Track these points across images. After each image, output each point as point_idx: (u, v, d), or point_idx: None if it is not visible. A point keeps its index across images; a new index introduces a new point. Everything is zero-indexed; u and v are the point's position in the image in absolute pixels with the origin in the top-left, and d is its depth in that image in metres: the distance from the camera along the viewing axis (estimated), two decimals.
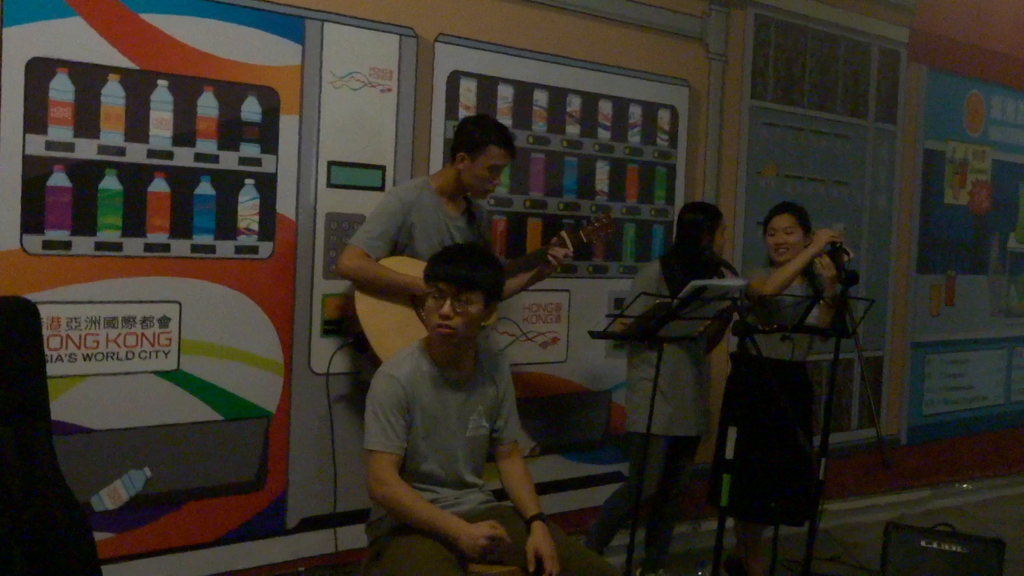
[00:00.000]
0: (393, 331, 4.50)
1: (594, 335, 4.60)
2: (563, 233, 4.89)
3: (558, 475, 5.84)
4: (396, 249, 4.63)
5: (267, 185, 4.71)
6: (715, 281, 4.72)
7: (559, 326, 5.76)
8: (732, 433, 4.54)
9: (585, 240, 4.96)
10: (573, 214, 5.76)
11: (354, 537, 4.85)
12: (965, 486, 8.17)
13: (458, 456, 3.92)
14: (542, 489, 5.63)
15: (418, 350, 3.89)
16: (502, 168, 4.75)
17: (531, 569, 3.74)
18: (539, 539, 3.79)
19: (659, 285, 5.14)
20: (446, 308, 3.75)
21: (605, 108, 5.89)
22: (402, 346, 4.00)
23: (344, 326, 4.87)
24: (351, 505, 4.92)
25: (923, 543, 5.61)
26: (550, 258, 4.83)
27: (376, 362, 4.44)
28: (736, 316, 4.69)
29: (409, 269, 4.56)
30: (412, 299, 4.57)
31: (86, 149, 4.27)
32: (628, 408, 5.36)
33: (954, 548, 5.57)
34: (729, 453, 4.53)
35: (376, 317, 4.54)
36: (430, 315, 3.80)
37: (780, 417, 4.66)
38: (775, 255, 5.39)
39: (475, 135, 4.65)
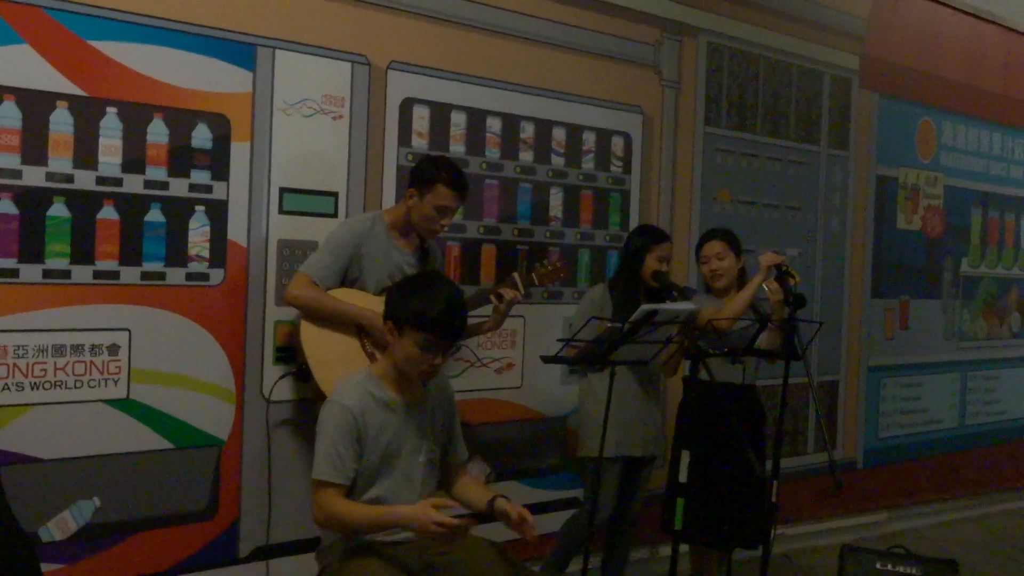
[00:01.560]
0: (336, 362, 4.46)
1: (546, 360, 4.60)
2: (515, 275, 4.87)
3: (516, 500, 5.80)
4: (345, 280, 4.61)
5: (218, 212, 4.68)
6: (665, 305, 4.72)
7: (514, 352, 5.75)
8: (685, 457, 4.54)
9: (537, 283, 4.95)
10: (527, 240, 5.76)
11: (296, 568, 4.86)
12: (920, 509, 8.19)
13: (415, 480, 3.90)
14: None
15: (367, 377, 3.88)
16: (450, 211, 4.70)
17: (530, 536, 3.76)
18: (511, 504, 3.83)
19: (603, 308, 5.14)
20: (439, 359, 3.82)
21: (559, 134, 5.90)
22: (344, 375, 3.97)
23: (289, 356, 4.84)
24: (290, 535, 4.91)
25: (878, 565, 5.62)
26: (493, 299, 4.80)
27: (318, 392, 4.42)
28: (686, 341, 4.69)
29: (358, 301, 4.55)
30: (358, 329, 4.54)
31: (34, 176, 4.23)
32: (579, 432, 5.35)
33: (909, 570, 5.58)
34: (683, 476, 4.53)
35: (320, 347, 4.51)
36: (418, 363, 3.80)
37: (732, 440, 4.66)
38: (711, 282, 5.43)
39: (427, 173, 4.64)
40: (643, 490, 5.43)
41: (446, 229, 4.84)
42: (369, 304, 4.50)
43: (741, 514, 5.17)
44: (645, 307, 4.49)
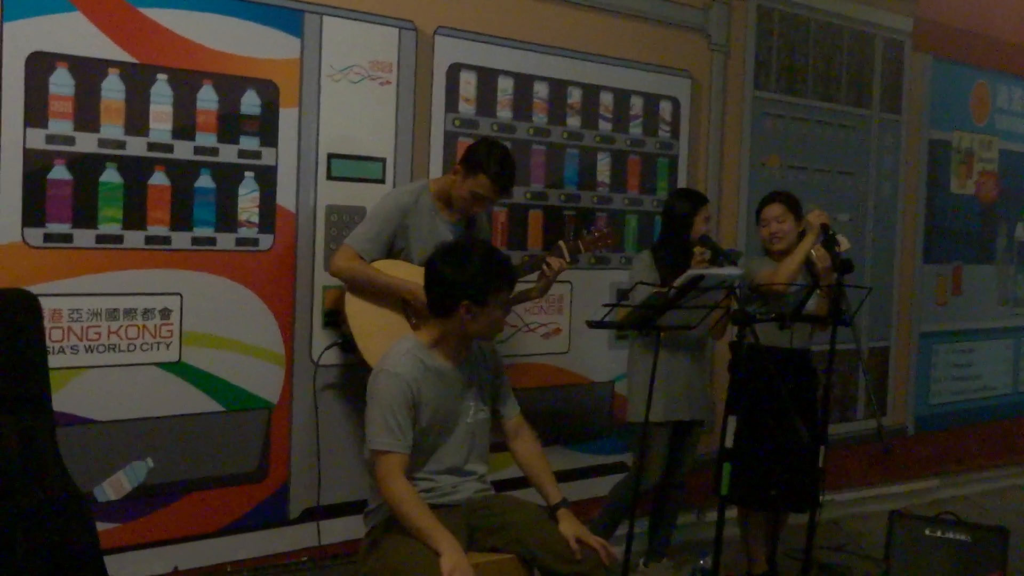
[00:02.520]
0: (380, 333, 4.52)
1: (592, 324, 4.63)
2: (561, 243, 4.89)
3: (562, 466, 5.84)
4: (391, 252, 4.66)
5: (267, 178, 4.75)
6: (712, 270, 4.74)
7: (561, 317, 5.80)
8: (731, 422, 4.57)
9: (583, 250, 4.97)
10: (574, 206, 5.80)
11: (346, 529, 4.94)
12: (972, 475, 8.18)
13: (463, 444, 3.96)
14: None
15: (416, 346, 3.90)
16: (486, 200, 4.73)
17: (577, 557, 3.77)
18: (573, 525, 3.86)
19: (651, 273, 5.17)
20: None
21: (606, 100, 5.92)
22: (388, 347, 4.02)
23: (336, 323, 4.90)
24: (339, 498, 4.99)
25: (927, 532, 5.63)
26: (544, 268, 4.83)
27: (362, 363, 4.48)
28: (735, 305, 4.71)
29: (402, 272, 4.59)
30: (403, 303, 4.60)
31: (86, 143, 4.31)
32: (628, 398, 5.40)
33: (958, 536, 5.59)
34: (729, 442, 4.56)
35: (364, 318, 4.58)
36: (498, 319, 3.91)
37: (779, 405, 4.69)
38: (769, 245, 5.40)
39: (477, 157, 4.65)
40: (691, 454, 5.47)
41: (480, 214, 4.89)
42: (413, 275, 4.54)
43: (789, 479, 5.19)
44: (691, 272, 4.52)
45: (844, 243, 5.15)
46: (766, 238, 5.40)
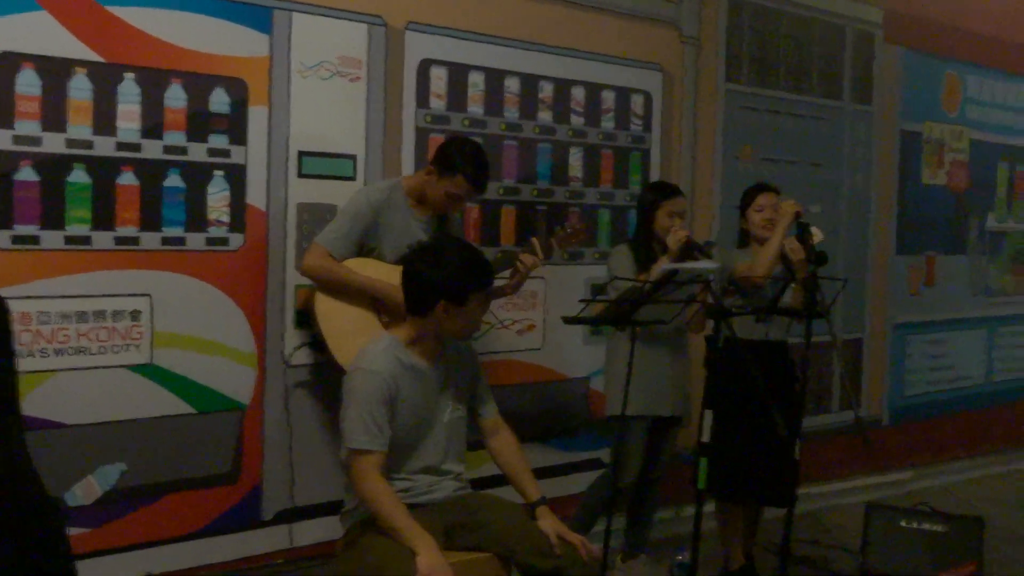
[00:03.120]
0: (351, 333, 4.50)
1: (567, 321, 4.63)
2: (533, 240, 4.89)
3: (538, 463, 5.79)
4: (362, 251, 4.64)
5: (237, 176, 4.73)
6: (686, 264, 4.76)
7: (535, 313, 5.79)
8: (708, 417, 4.57)
9: (557, 247, 4.97)
10: (547, 201, 5.80)
11: (320, 530, 4.94)
12: (947, 466, 8.22)
13: (440, 444, 3.96)
14: None
15: (393, 343, 3.90)
16: (462, 200, 4.75)
17: (558, 552, 3.80)
18: (553, 522, 3.91)
19: (630, 267, 5.17)
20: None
21: (578, 94, 5.92)
22: (358, 348, 4.01)
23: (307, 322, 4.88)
24: (313, 499, 4.98)
25: (903, 523, 5.67)
26: (519, 264, 4.83)
27: (333, 363, 4.48)
28: (710, 299, 4.71)
29: (374, 271, 4.58)
30: (373, 300, 4.59)
31: (54, 143, 4.28)
32: (605, 392, 5.40)
33: (934, 527, 5.63)
34: (706, 436, 4.56)
35: (335, 318, 4.56)
36: (476, 319, 3.96)
37: (756, 398, 4.69)
38: (763, 231, 5.43)
39: (451, 157, 4.65)
40: (669, 451, 5.46)
41: (456, 213, 4.90)
42: (385, 274, 4.54)
43: (766, 472, 5.21)
44: (665, 266, 4.52)
45: (818, 235, 5.17)
46: (759, 224, 5.42)
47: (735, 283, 5.31)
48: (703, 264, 4.81)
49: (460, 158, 4.63)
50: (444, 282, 3.78)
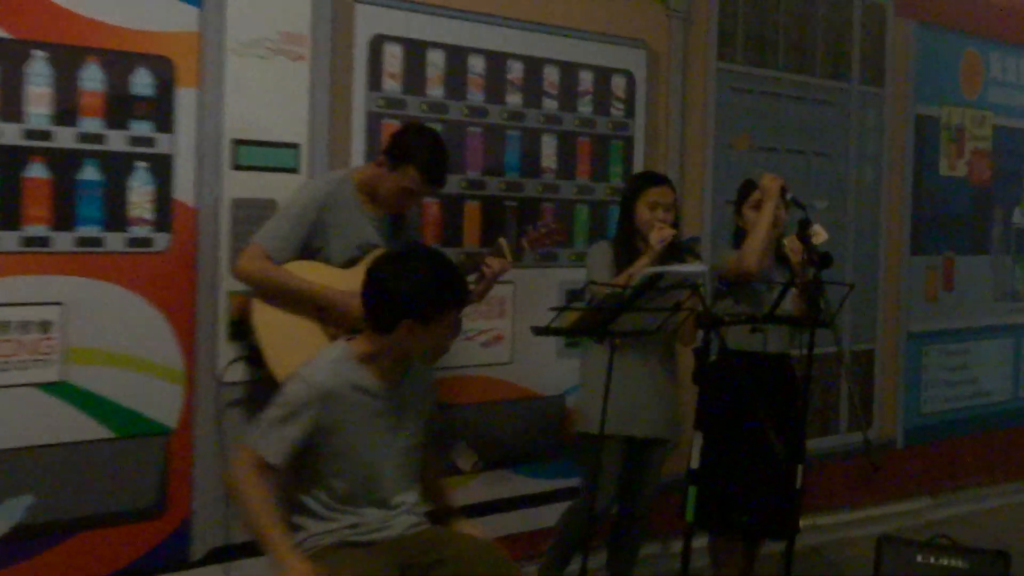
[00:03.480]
0: (293, 346, 4.45)
1: (537, 331, 4.59)
2: (501, 241, 4.86)
3: (506, 492, 5.84)
4: (306, 250, 4.60)
5: (162, 168, 4.69)
6: (672, 268, 4.71)
7: (503, 323, 5.76)
8: (697, 439, 4.55)
9: (528, 248, 4.96)
10: (516, 195, 5.76)
11: (258, 570, 4.81)
12: (968, 493, 8.22)
13: (385, 473, 3.92)
14: (488, 509, 5.66)
15: (344, 357, 3.87)
16: (416, 195, 4.72)
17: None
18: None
19: (609, 268, 5.13)
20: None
21: (551, 74, 5.90)
22: (301, 362, 3.97)
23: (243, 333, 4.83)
24: (250, 535, 4.90)
25: (919, 558, 5.65)
26: (484, 269, 4.81)
27: (273, 380, 4.42)
28: (699, 306, 4.67)
29: (320, 276, 4.54)
30: (319, 311, 4.54)
31: None
32: (577, 406, 5.37)
33: (954, 563, 5.61)
34: (695, 462, 4.53)
35: (274, 330, 4.51)
36: (443, 342, 3.93)
37: (753, 418, 4.67)
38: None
39: (404, 147, 4.61)
40: (654, 478, 5.39)
41: (412, 208, 4.87)
42: (332, 279, 4.51)
43: (763, 502, 5.18)
44: (648, 269, 4.49)
45: (821, 234, 5.13)
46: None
47: (725, 283, 5.27)
48: (691, 267, 4.78)
49: (414, 147, 4.59)
50: (411, 298, 3.75)
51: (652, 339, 5.00)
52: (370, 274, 3.89)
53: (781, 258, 5.38)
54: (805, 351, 4.99)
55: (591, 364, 5.28)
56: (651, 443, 5.31)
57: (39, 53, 4.39)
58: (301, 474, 3.83)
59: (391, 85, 5.34)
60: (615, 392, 4.84)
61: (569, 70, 5.96)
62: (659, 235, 5.01)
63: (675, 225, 5.17)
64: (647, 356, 5.21)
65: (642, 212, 5.16)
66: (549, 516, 5.68)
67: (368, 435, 3.85)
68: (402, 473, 3.98)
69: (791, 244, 5.26)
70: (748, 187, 5.53)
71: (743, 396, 4.69)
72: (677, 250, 5.06)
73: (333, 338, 4.46)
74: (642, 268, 4.88)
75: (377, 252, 4.62)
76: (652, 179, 5.30)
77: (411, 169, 4.57)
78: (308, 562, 3.63)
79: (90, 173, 4.52)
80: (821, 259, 4.92)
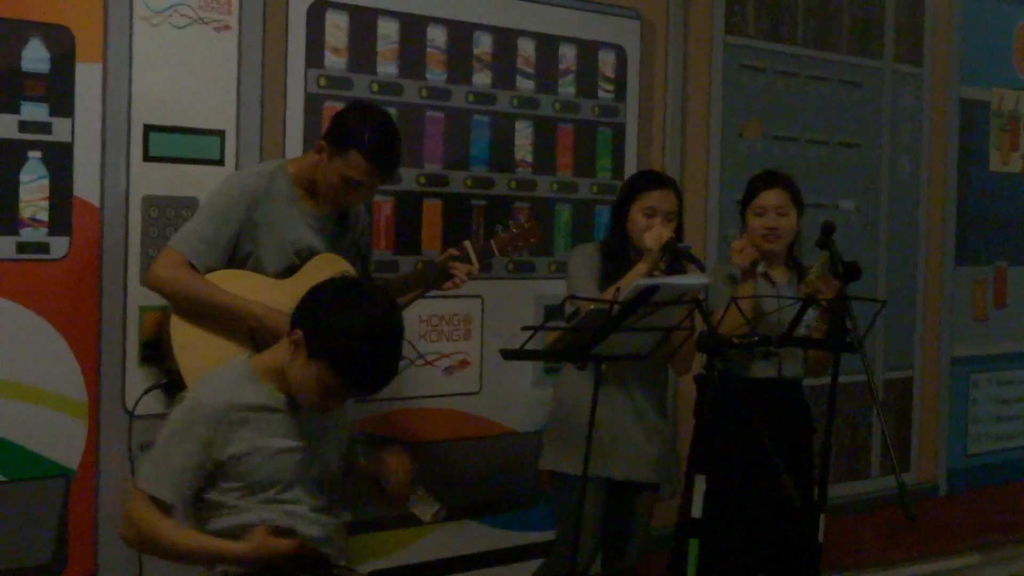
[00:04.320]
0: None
1: (508, 355, 4.59)
2: (466, 244, 4.89)
3: (474, 547, 5.85)
4: (234, 256, 4.60)
5: (60, 159, 4.69)
6: (668, 280, 4.70)
7: (468, 345, 5.78)
8: (700, 484, 4.56)
9: (497, 254, 4.99)
10: (485, 193, 5.79)
11: None
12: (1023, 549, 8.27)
13: (304, 502, 3.93)
14: (453, 566, 5.67)
15: (243, 372, 3.92)
16: (362, 186, 4.67)
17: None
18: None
19: (595, 276, 5.13)
20: (341, 404, 4.02)
21: (526, 49, 5.93)
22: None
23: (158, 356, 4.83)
24: None
25: None
26: (454, 279, 4.84)
27: None
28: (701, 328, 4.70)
29: (247, 288, 4.53)
30: (250, 331, 4.52)
31: None
32: (544, 441, 5.35)
33: None
34: (696, 511, 4.54)
35: (196, 350, 4.49)
36: (315, 399, 3.86)
37: (762, 458, 4.68)
38: (763, 242, 5.40)
39: (346, 129, 4.59)
40: (642, 530, 5.38)
41: (356, 205, 4.87)
42: (264, 291, 4.52)
43: (777, 558, 5.20)
44: (641, 282, 4.49)
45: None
46: (759, 232, 5.38)
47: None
48: (691, 279, 4.77)
49: (358, 128, 4.56)
50: (335, 351, 3.77)
51: (635, 364, 5.00)
52: (314, 291, 3.90)
53: (799, 270, 5.40)
54: (824, 380, 5.02)
55: (563, 389, 5.28)
56: (636, 487, 5.29)
57: None
58: (201, 510, 3.86)
59: (334, 61, 5.36)
60: (579, 425, 4.87)
61: (548, 44, 6.00)
62: (655, 236, 4.99)
63: (677, 234, 5.15)
64: (628, 383, 5.19)
65: (636, 219, 5.13)
66: (525, 572, 5.70)
67: (276, 459, 3.86)
68: (319, 500, 4.00)
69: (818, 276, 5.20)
70: (753, 186, 5.51)
71: (752, 431, 4.70)
72: (675, 258, 5.04)
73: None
74: (638, 276, 4.88)
75: (323, 258, 4.65)
76: (652, 180, 5.27)
77: (354, 154, 4.54)
78: (257, 531, 3.69)
79: None
80: (847, 270, 4.93)
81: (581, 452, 4.88)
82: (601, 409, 4.89)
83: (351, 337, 3.74)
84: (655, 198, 5.14)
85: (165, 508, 3.75)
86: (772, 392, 5.28)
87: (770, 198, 5.39)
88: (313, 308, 3.83)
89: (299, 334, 3.79)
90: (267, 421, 3.86)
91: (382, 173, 4.65)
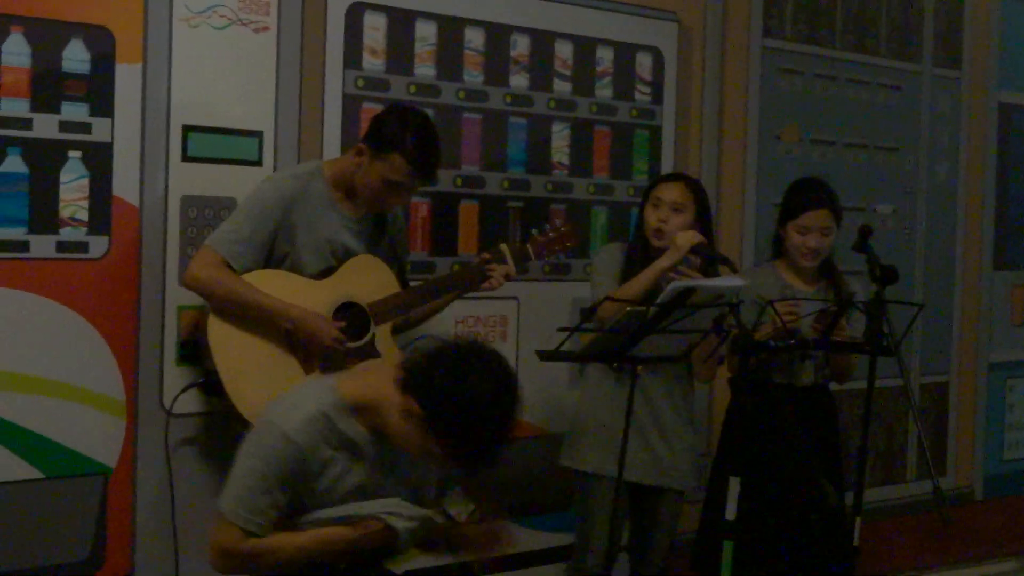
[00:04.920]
0: (256, 371, 4.48)
1: (544, 356, 4.60)
2: (503, 246, 4.90)
3: (506, 548, 5.83)
4: (271, 257, 4.61)
5: (100, 159, 4.71)
6: (704, 282, 4.68)
7: (504, 346, 5.77)
8: (734, 486, 4.56)
9: (533, 256, 4.99)
10: (522, 195, 5.80)
11: None
12: None
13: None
14: (488, 567, 5.65)
15: (331, 401, 3.74)
16: (403, 189, 4.68)
17: None
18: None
19: (616, 275, 5.10)
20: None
21: (564, 51, 5.95)
22: (268, 392, 3.93)
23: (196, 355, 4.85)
24: None
25: None
26: (490, 278, 4.84)
27: (231, 410, 4.45)
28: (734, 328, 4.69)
29: (284, 289, 4.54)
30: (288, 332, 4.54)
31: None
32: (566, 437, 5.32)
33: None
34: (730, 513, 4.55)
35: (234, 350, 4.51)
36: (408, 444, 3.73)
37: (798, 461, 4.69)
38: (803, 260, 5.35)
39: (387, 132, 4.59)
40: (667, 534, 5.29)
41: (395, 208, 4.88)
42: (300, 292, 4.54)
43: (811, 562, 5.20)
44: (678, 284, 4.48)
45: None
46: (800, 251, 5.34)
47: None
48: (728, 281, 4.74)
49: (400, 131, 4.57)
50: (445, 424, 3.61)
51: (659, 370, 4.98)
52: (434, 348, 3.72)
53: (831, 273, 5.39)
54: (855, 384, 5.01)
55: (584, 390, 5.26)
56: (659, 491, 5.24)
57: None
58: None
59: (372, 62, 5.38)
60: (607, 424, 4.87)
61: (585, 46, 6.01)
62: (687, 237, 4.92)
63: (704, 233, 5.12)
64: (649, 388, 5.11)
65: (647, 213, 5.12)
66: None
67: (358, 496, 3.78)
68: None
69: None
70: (797, 202, 5.44)
71: (786, 434, 4.70)
72: (708, 260, 5.02)
73: (304, 363, 4.49)
74: (657, 271, 4.90)
75: (360, 259, 4.68)
76: (662, 176, 5.36)
77: (396, 157, 4.56)
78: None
79: (13, 164, 4.54)
80: (884, 273, 4.92)
81: (593, 450, 4.95)
82: (614, 412, 4.91)
83: (464, 406, 3.60)
84: (660, 189, 5.13)
85: (253, 535, 3.67)
86: (802, 395, 5.28)
87: (818, 219, 5.32)
88: (430, 378, 3.62)
89: (413, 403, 3.61)
90: (348, 455, 3.74)
91: (424, 176, 4.67)
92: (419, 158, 4.59)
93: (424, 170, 4.65)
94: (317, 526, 3.74)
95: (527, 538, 5.94)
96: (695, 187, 5.16)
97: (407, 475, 3.90)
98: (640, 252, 5.11)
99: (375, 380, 3.77)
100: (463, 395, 3.58)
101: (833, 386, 5.53)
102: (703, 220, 5.11)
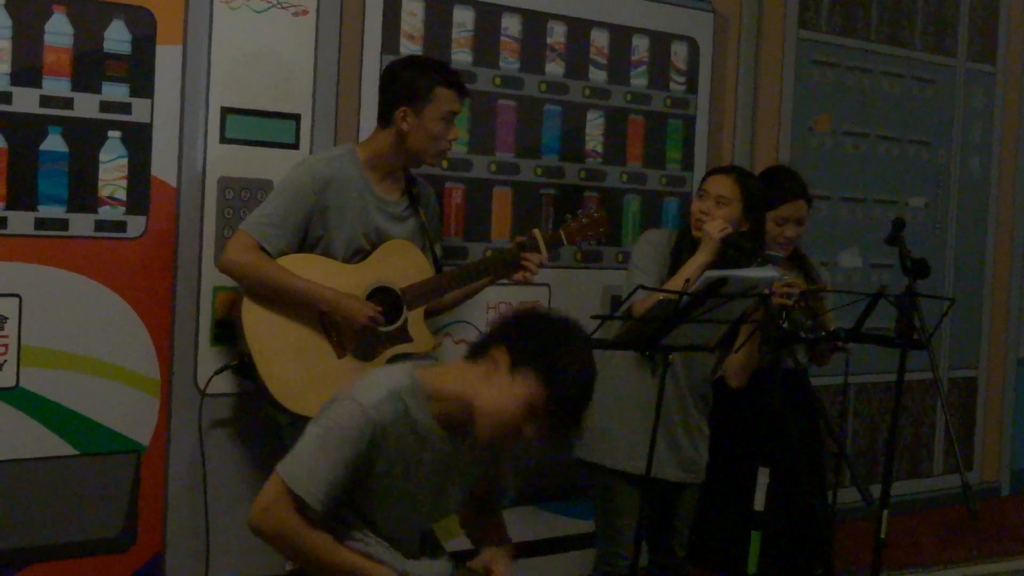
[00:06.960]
0: (290, 354, 4.52)
1: None
2: (535, 232, 4.91)
3: (535, 533, 5.89)
4: (305, 240, 4.63)
5: (139, 139, 4.74)
6: (738, 272, 4.67)
7: None
8: (763, 476, 4.57)
9: (565, 242, 5.01)
10: (555, 182, 5.83)
11: None
12: None
13: (409, 538, 3.86)
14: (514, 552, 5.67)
15: (412, 387, 3.67)
16: (455, 117, 4.76)
17: None
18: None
19: (659, 262, 5.12)
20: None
21: (599, 39, 5.96)
22: (301, 375, 3.94)
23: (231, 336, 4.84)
24: (235, 572, 4.98)
25: None
26: (525, 268, 4.85)
27: (264, 392, 4.49)
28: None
29: (318, 273, 4.56)
30: (321, 316, 4.57)
31: None
32: (589, 431, 5.19)
33: None
34: (759, 503, 4.57)
35: (267, 333, 4.54)
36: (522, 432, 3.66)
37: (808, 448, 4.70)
38: (779, 250, 5.29)
39: (415, 81, 4.65)
40: (686, 525, 5.32)
41: (431, 194, 4.96)
42: (335, 276, 4.56)
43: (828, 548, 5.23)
44: (710, 274, 4.50)
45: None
46: (778, 239, 5.35)
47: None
48: (761, 272, 4.73)
49: (422, 75, 4.67)
50: (568, 387, 3.58)
51: (682, 366, 4.99)
52: (537, 314, 3.84)
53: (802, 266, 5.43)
54: (876, 377, 5.02)
55: (612, 378, 5.10)
56: (678, 485, 5.24)
57: None
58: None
59: (409, 47, 5.39)
60: (631, 419, 4.90)
61: (621, 35, 6.02)
62: (716, 226, 4.95)
63: (754, 229, 5.11)
64: (678, 373, 5.10)
65: (695, 204, 5.16)
66: (585, 562, 5.72)
67: (416, 485, 3.73)
68: (427, 544, 3.94)
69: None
70: (774, 186, 5.41)
71: (810, 422, 4.73)
72: (740, 251, 5.03)
73: (337, 347, 4.52)
74: (697, 267, 4.90)
75: (393, 243, 4.71)
76: (716, 168, 5.33)
77: (440, 90, 4.66)
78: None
79: (54, 143, 4.57)
80: (916, 267, 4.93)
81: (609, 444, 4.98)
82: (643, 407, 4.90)
83: (569, 370, 3.56)
84: (709, 181, 5.15)
85: (302, 508, 3.57)
86: (789, 379, 5.25)
87: (796, 210, 5.38)
88: (547, 349, 3.57)
89: (532, 377, 3.52)
90: (416, 444, 3.67)
91: (465, 91, 4.81)
92: (453, 77, 4.74)
93: (462, 86, 4.78)
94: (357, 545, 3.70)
95: (558, 523, 5.98)
96: (745, 182, 5.13)
97: (465, 467, 3.83)
98: (687, 241, 5.13)
99: (455, 370, 3.74)
100: (582, 363, 3.60)
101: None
102: (751, 215, 5.11)
